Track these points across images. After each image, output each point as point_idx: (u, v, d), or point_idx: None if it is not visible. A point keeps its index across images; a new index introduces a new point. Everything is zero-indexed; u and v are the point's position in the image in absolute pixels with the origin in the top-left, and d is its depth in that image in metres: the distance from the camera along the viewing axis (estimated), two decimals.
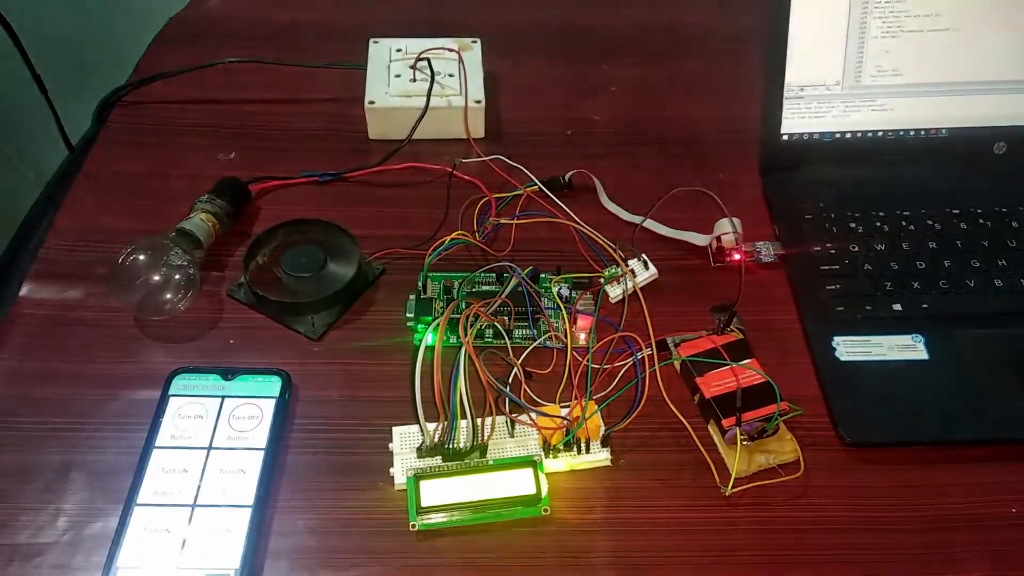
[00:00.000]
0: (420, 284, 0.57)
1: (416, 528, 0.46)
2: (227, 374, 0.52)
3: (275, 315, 0.56)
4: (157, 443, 0.48)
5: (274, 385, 0.51)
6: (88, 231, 0.61)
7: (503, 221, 0.60)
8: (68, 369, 0.53)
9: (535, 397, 0.52)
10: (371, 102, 0.67)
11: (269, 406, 0.50)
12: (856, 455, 0.51)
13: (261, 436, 0.49)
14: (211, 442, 0.49)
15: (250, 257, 0.58)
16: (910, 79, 0.63)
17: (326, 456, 0.50)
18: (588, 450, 0.49)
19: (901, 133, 0.65)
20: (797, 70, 0.63)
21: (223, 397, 0.51)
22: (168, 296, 0.54)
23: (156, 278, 0.54)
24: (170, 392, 0.51)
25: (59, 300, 0.56)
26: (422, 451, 0.49)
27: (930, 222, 0.61)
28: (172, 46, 0.77)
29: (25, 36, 0.78)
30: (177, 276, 0.54)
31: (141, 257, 0.54)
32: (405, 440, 0.49)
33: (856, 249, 0.60)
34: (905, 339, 0.55)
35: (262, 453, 0.48)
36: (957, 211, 0.62)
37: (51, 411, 0.51)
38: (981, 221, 0.61)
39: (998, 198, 0.63)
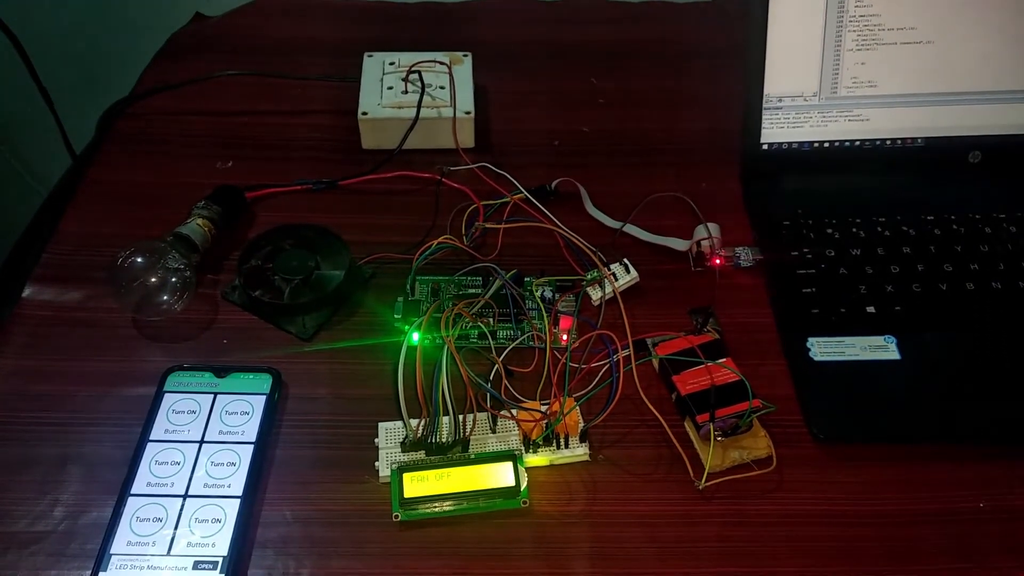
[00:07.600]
0: (408, 287, 0.59)
1: (399, 519, 0.48)
2: (220, 372, 0.54)
3: (267, 316, 0.58)
4: (151, 436, 0.50)
5: (265, 382, 0.53)
6: (90, 236, 0.63)
7: (489, 226, 0.62)
8: (67, 367, 0.55)
9: (516, 394, 0.53)
10: (364, 113, 0.69)
11: (260, 402, 0.52)
12: (827, 451, 0.52)
13: (251, 430, 0.51)
14: (203, 436, 0.51)
15: (244, 260, 0.60)
16: (885, 90, 0.65)
17: (314, 450, 0.52)
18: (567, 445, 0.51)
19: (877, 142, 0.67)
20: (775, 82, 0.65)
21: (216, 393, 0.53)
22: (165, 297, 0.56)
23: (153, 280, 0.56)
24: (165, 389, 0.53)
25: (60, 302, 0.59)
26: (406, 446, 0.50)
27: (905, 228, 0.63)
28: (174, 60, 0.79)
29: (31, 48, 0.81)
30: (174, 278, 0.56)
31: (139, 259, 0.56)
32: (390, 435, 0.51)
33: (832, 254, 0.61)
34: (877, 340, 0.56)
35: (252, 447, 0.50)
36: (931, 218, 0.64)
37: (50, 406, 0.53)
38: (955, 227, 0.63)
39: (972, 205, 0.64)
